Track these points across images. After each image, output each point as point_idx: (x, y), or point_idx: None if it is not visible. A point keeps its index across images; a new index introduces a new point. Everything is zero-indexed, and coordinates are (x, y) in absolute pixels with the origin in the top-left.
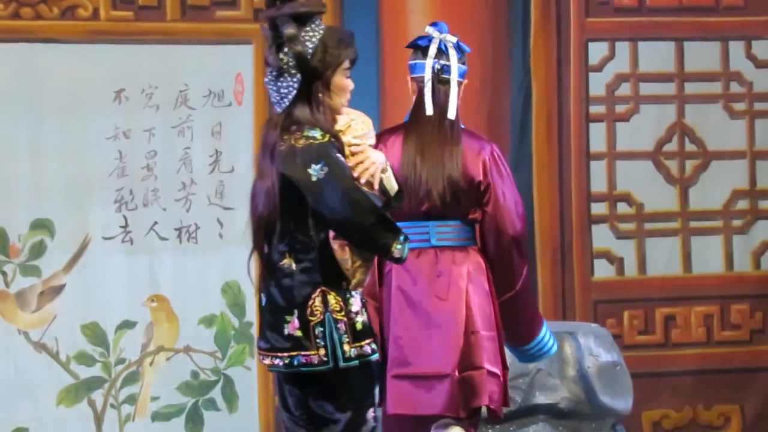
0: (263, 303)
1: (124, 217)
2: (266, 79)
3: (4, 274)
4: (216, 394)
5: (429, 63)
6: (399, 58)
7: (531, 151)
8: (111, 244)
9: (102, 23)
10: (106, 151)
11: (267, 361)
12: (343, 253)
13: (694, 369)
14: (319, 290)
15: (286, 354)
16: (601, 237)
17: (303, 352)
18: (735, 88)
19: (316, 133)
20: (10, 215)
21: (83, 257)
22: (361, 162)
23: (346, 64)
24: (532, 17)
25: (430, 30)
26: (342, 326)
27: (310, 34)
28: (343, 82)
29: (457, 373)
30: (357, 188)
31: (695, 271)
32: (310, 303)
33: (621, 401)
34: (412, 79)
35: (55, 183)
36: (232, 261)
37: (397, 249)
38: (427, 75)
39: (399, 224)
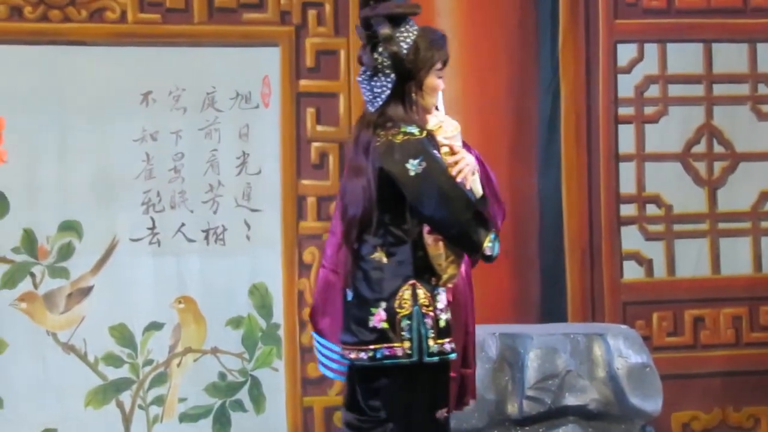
0: (349, 298)
1: (152, 219)
2: (359, 78)
3: (33, 275)
4: (243, 395)
5: None
6: None
7: (559, 152)
8: (138, 246)
9: (129, 26)
10: (133, 153)
11: (352, 355)
12: (436, 248)
13: (723, 370)
14: (409, 284)
15: (371, 347)
16: (630, 238)
17: (387, 345)
18: (763, 89)
19: (414, 129)
20: (39, 217)
21: (111, 259)
22: (457, 162)
23: (438, 65)
24: (560, 18)
25: None
26: (429, 321)
27: (405, 34)
28: (435, 82)
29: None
30: (454, 184)
31: (724, 273)
32: (399, 295)
33: (650, 403)
34: None
35: (83, 185)
36: (260, 263)
37: (488, 246)
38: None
39: None
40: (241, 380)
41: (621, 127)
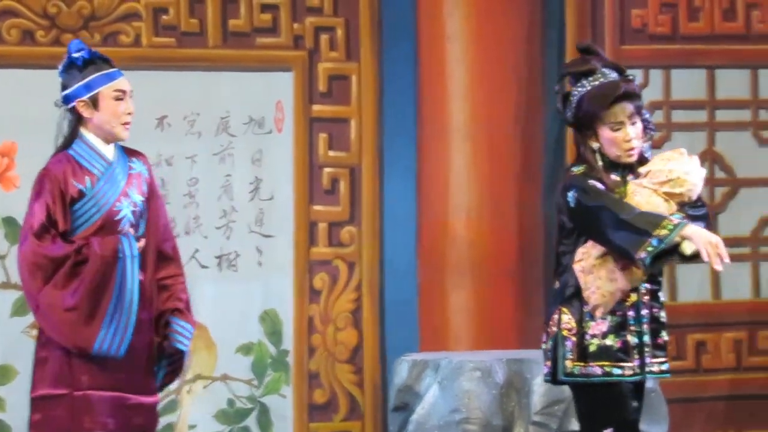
0: None
1: None
2: None
3: None
4: (251, 422)
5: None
6: (437, 85)
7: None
8: None
9: (144, 50)
10: (154, 177)
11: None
12: (584, 277)
13: (725, 395)
14: (557, 309)
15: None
16: None
17: (546, 363)
18: (764, 115)
19: (577, 168)
20: None
21: None
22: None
23: (605, 117)
24: (567, 44)
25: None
26: (569, 344)
27: (578, 89)
28: (607, 134)
29: None
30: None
31: (725, 298)
32: (550, 321)
33: (657, 427)
34: None
35: None
36: (271, 289)
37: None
38: None
39: None
40: (249, 407)
41: None
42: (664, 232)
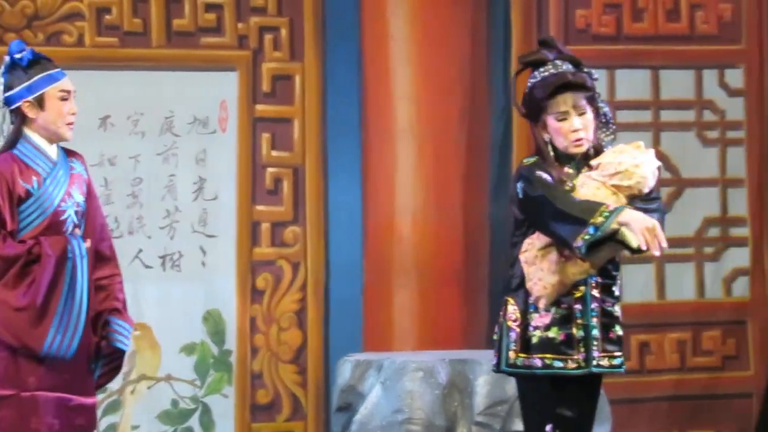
0: None
1: None
2: None
3: None
4: (194, 422)
5: None
6: (381, 86)
7: (510, 178)
8: None
9: (87, 49)
10: (91, 178)
11: None
12: (527, 268)
13: (669, 395)
14: (504, 299)
15: None
16: None
17: (495, 353)
18: (708, 116)
19: (529, 159)
20: None
21: None
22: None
23: (550, 107)
24: (512, 44)
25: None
26: (513, 335)
27: (530, 80)
28: (553, 124)
29: None
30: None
31: (669, 298)
32: (501, 311)
33: (599, 428)
34: None
35: None
36: (215, 289)
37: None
38: None
39: None
40: (192, 407)
41: None
42: (600, 219)
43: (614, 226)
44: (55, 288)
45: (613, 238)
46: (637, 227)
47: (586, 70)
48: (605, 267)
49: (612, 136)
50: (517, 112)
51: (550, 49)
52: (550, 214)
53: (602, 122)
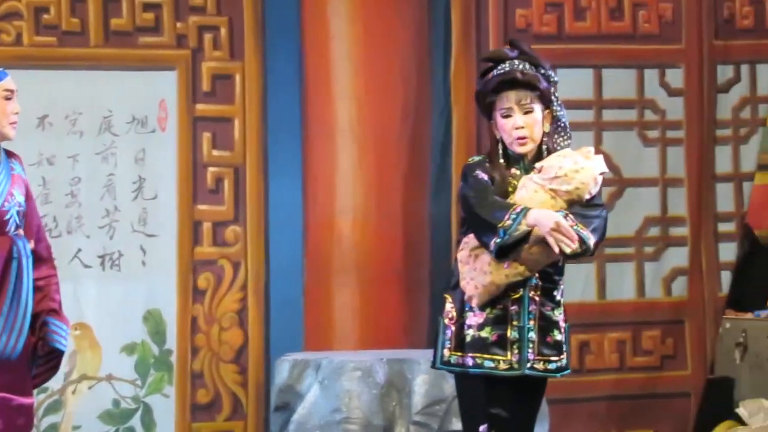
0: None
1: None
2: None
3: None
4: (135, 422)
5: None
6: (322, 85)
7: (451, 177)
8: None
9: (25, 48)
10: (30, 177)
11: None
12: (461, 267)
13: (608, 395)
14: (444, 296)
15: None
16: None
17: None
18: (649, 115)
19: (476, 158)
20: None
21: None
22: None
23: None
24: (453, 44)
25: None
26: (449, 333)
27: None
28: (499, 120)
29: None
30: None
31: (609, 298)
32: (442, 307)
33: (537, 427)
34: None
35: None
36: (155, 289)
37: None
38: None
39: None
40: (133, 407)
41: None
42: (508, 222)
43: (523, 228)
44: (1, 289)
45: (526, 240)
46: (545, 230)
47: (546, 72)
48: (546, 271)
49: (569, 141)
50: (457, 111)
51: (514, 49)
52: (470, 215)
53: (560, 127)
